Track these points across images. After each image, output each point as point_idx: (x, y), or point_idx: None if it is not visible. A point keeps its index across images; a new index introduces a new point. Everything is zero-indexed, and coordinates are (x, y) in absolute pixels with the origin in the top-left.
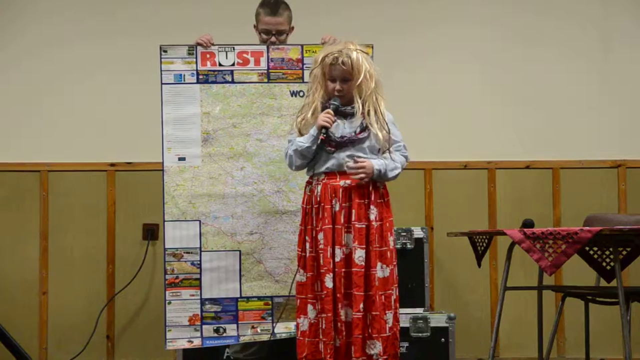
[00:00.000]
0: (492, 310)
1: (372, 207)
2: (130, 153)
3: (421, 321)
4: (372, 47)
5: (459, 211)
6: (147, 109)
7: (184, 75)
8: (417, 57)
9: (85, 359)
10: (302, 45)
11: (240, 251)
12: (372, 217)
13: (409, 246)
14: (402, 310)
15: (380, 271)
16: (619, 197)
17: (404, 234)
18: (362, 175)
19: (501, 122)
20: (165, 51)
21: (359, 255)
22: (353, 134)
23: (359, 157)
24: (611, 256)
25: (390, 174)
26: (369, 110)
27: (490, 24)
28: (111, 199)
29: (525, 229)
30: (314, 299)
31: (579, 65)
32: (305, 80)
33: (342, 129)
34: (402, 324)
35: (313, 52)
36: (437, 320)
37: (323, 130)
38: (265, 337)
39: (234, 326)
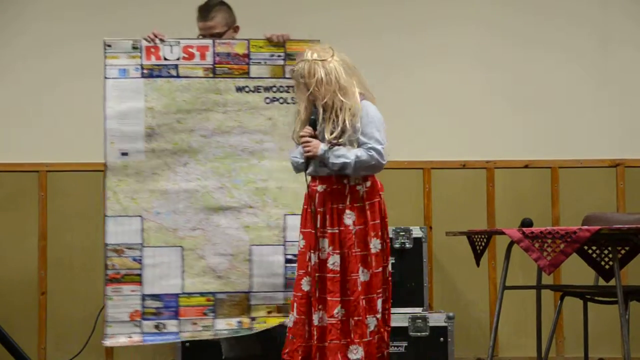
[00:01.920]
0: (491, 310)
1: (347, 211)
2: None
3: (420, 321)
4: (319, 42)
5: (458, 210)
6: None
7: (128, 69)
8: (416, 57)
9: (84, 359)
10: (248, 40)
11: (182, 247)
12: (349, 221)
13: (407, 246)
14: (401, 310)
15: (363, 275)
16: (617, 196)
17: (403, 233)
18: (307, 147)
19: (500, 121)
20: (109, 46)
21: (333, 261)
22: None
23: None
24: (610, 255)
25: (333, 159)
26: (329, 116)
27: (489, 24)
28: None
29: (523, 228)
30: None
31: (577, 65)
32: (251, 76)
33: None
34: (401, 324)
35: (259, 47)
36: (436, 319)
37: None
38: (206, 334)
39: (175, 322)
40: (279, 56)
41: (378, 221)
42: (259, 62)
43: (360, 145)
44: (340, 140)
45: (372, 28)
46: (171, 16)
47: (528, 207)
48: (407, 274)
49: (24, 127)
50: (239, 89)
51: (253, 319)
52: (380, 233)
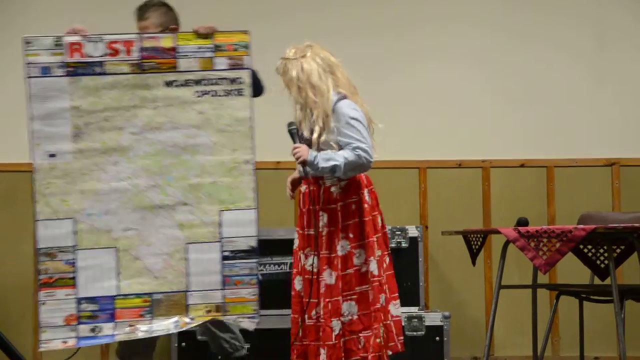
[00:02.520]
0: (487, 309)
1: (321, 212)
2: None
3: (416, 320)
4: (249, 34)
5: (454, 210)
6: None
7: (51, 67)
8: (413, 56)
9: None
10: (175, 34)
11: (116, 248)
12: (321, 223)
13: (403, 245)
14: None
15: (329, 278)
16: (612, 195)
17: (399, 232)
18: (297, 154)
19: (496, 120)
20: (29, 42)
21: (310, 262)
22: (308, 138)
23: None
24: (605, 254)
25: (322, 163)
26: (305, 116)
27: (484, 23)
28: None
29: (519, 228)
30: None
31: (574, 64)
32: (179, 69)
33: (301, 135)
34: None
35: (187, 40)
36: (432, 319)
37: (303, 167)
38: (141, 334)
39: (111, 325)
40: (207, 48)
41: (351, 222)
42: (187, 55)
43: (343, 146)
44: (318, 139)
45: (369, 26)
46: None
47: (524, 206)
48: (402, 273)
49: (20, 127)
50: (168, 84)
51: (192, 318)
52: (354, 234)
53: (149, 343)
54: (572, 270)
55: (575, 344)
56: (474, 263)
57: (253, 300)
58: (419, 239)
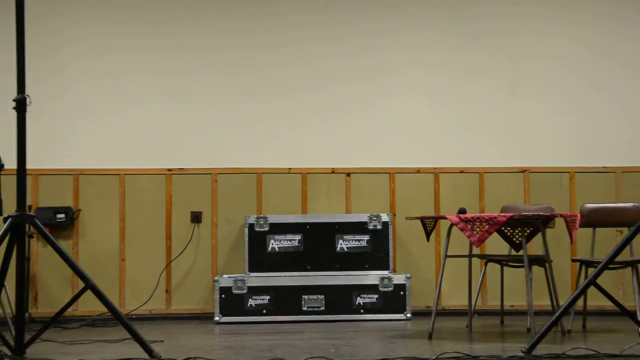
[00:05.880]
0: (437, 272)
1: None
2: (182, 161)
3: (387, 280)
4: None
5: (414, 202)
6: (193, 127)
7: None
8: (386, 95)
9: (151, 305)
10: None
11: None
12: None
13: (378, 227)
14: (373, 272)
15: None
16: (524, 193)
17: (375, 218)
18: None
19: (442, 140)
20: None
21: None
22: None
23: None
24: (519, 234)
25: None
26: None
27: (433, 69)
28: (168, 194)
29: (460, 215)
30: None
31: (493, 99)
32: None
33: None
34: (372, 282)
35: None
36: (398, 279)
37: None
38: None
39: None
40: None
41: None
42: None
43: None
44: None
45: (355, 74)
46: (225, 30)
47: (463, 200)
48: (377, 247)
49: (107, 139)
50: None
51: None
52: None
53: None
54: (496, 244)
55: (497, 297)
56: (428, 239)
57: None
58: (389, 223)
